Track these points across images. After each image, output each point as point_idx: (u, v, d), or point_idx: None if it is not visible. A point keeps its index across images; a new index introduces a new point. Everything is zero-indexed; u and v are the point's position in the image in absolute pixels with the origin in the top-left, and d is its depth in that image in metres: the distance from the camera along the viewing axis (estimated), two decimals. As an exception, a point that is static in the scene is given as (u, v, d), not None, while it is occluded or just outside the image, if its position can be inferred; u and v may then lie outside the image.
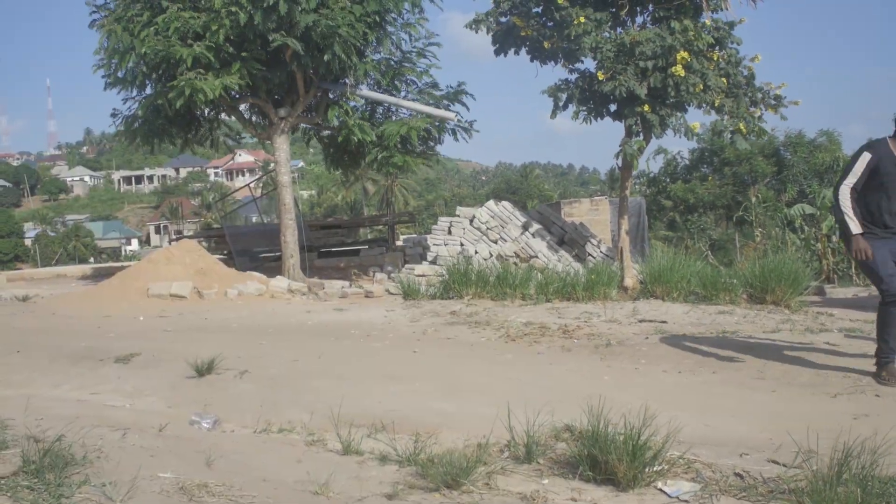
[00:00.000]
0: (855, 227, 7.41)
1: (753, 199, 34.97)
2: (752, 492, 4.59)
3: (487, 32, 14.83)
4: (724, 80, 14.04)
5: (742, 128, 13.97)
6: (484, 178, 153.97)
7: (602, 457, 4.80)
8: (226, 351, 8.38)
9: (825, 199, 26.18)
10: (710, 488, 4.67)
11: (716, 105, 13.96)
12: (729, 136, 14.18)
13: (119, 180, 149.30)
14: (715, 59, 14.15)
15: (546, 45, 14.03)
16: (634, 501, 4.60)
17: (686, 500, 4.56)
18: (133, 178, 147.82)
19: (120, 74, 17.04)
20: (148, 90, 17.60)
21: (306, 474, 4.85)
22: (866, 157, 7.47)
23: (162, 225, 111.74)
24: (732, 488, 4.66)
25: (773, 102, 14.52)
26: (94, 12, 17.28)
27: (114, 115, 18.78)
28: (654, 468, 4.84)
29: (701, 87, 13.65)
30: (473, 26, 14.74)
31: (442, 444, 5.50)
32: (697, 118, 13.68)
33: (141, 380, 7.71)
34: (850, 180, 7.48)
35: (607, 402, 5.29)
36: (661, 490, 4.71)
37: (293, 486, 4.67)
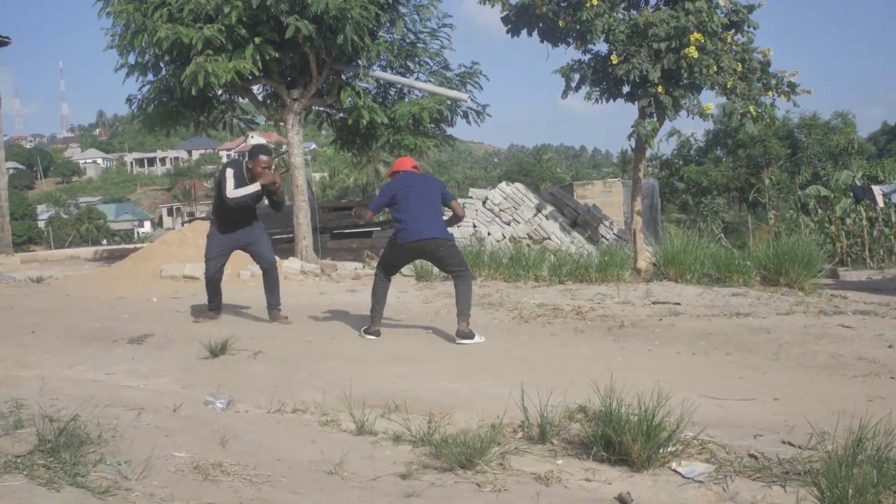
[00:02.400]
0: None
1: (767, 182, 34.80)
2: (766, 473, 4.57)
3: (503, 9, 14.74)
4: (739, 64, 13.97)
5: (752, 110, 13.91)
6: (496, 160, 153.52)
7: (616, 437, 4.80)
8: (239, 332, 8.41)
9: (839, 181, 26.08)
10: (725, 469, 4.66)
11: (728, 86, 13.89)
12: (739, 118, 14.11)
13: (132, 162, 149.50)
14: (729, 40, 14.08)
15: (561, 23, 13.94)
16: (649, 482, 4.59)
17: (701, 481, 4.55)
18: (145, 161, 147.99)
19: (132, 60, 17.05)
20: (162, 72, 17.59)
21: (320, 454, 4.86)
22: None
23: (174, 207, 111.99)
24: (747, 469, 4.65)
25: (786, 89, 14.47)
26: None
27: (129, 101, 18.81)
28: (669, 449, 4.83)
29: (715, 68, 13.59)
30: (488, 2, 14.67)
31: (455, 424, 5.50)
32: (711, 100, 13.63)
33: (155, 360, 7.72)
34: None
35: (621, 383, 5.29)
36: (675, 471, 4.71)
37: (307, 466, 4.68)
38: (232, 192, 9.74)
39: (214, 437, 4.95)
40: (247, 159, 9.97)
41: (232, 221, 10.18)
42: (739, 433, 5.35)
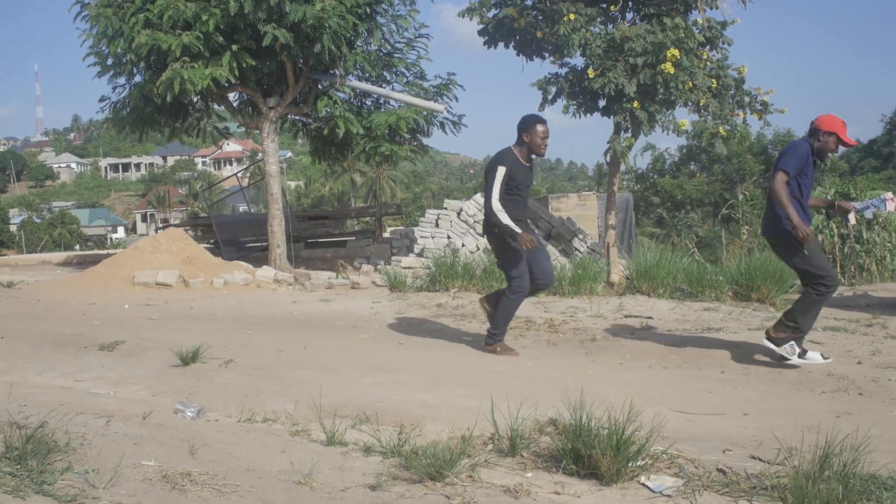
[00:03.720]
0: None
1: (741, 197, 34.98)
2: (734, 488, 4.60)
3: (480, 21, 14.77)
4: (713, 80, 14.04)
5: (722, 131, 13.97)
6: (472, 171, 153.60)
7: (585, 451, 4.81)
8: (211, 340, 8.37)
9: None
10: (693, 483, 4.69)
11: (701, 104, 13.96)
12: (709, 137, 14.16)
13: (106, 167, 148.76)
14: (705, 57, 14.15)
15: (539, 34, 13.97)
16: (617, 496, 4.61)
17: (669, 495, 4.57)
18: (120, 166, 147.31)
19: (109, 62, 16.99)
20: (137, 78, 17.54)
21: (290, 464, 4.85)
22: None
23: (149, 213, 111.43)
24: (715, 484, 4.67)
25: (759, 108, 14.53)
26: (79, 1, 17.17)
27: (101, 101, 18.75)
28: (638, 463, 4.85)
29: (690, 84, 13.66)
30: (466, 15, 14.69)
31: (426, 435, 5.51)
32: (685, 116, 13.67)
33: (125, 368, 7.69)
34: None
35: (592, 397, 5.31)
36: (644, 485, 4.73)
37: (277, 476, 4.67)
38: (497, 204, 8.48)
39: (184, 446, 4.93)
40: (520, 134, 8.82)
41: (522, 223, 8.74)
42: (709, 448, 5.38)
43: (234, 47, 16.09)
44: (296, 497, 4.34)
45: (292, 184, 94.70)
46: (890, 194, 21.89)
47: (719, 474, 4.84)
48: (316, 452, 5.21)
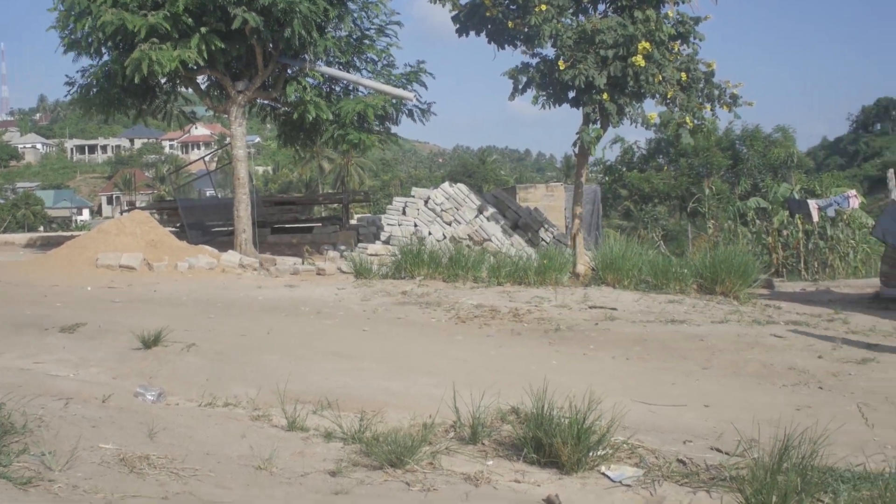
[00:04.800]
0: None
1: (707, 191, 35.20)
2: (694, 478, 4.63)
3: (453, 9, 14.72)
4: (683, 74, 14.08)
5: (688, 121, 14.03)
6: (441, 160, 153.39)
7: (546, 440, 4.82)
8: (174, 324, 8.31)
9: (777, 193, 26.45)
10: (653, 474, 4.71)
11: (669, 96, 14.00)
12: (676, 128, 14.21)
13: (72, 149, 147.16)
14: (675, 50, 14.20)
15: (510, 24, 13.95)
16: (577, 485, 4.62)
17: (629, 485, 4.58)
18: (86, 148, 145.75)
19: (76, 37, 16.77)
20: (105, 57, 17.34)
21: (250, 449, 4.82)
22: None
23: (114, 196, 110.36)
24: (675, 474, 4.70)
25: (728, 100, 14.60)
26: None
27: (69, 84, 18.52)
28: (598, 452, 4.86)
29: (660, 77, 13.70)
30: (439, 2, 14.63)
31: (388, 422, 5.50)
32: (654, 109, 13.74)
33: (86, 350, 7.62)
34: None
35: (554, 386, 5.31)
36: (604, 474, 4.74)
37: (236, 461, 4.64)
38: None
39: (143, 430, 4.89)
40: None
41: None
42: (670, 438, 5.41)
43: (203, 29, 15.94)
44: (254, 482, 4.31)
45: (260, 169, 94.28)
46: (853, 192, 22.12)
47: (679, 465, 4.86)
48: (277, 438, 5.18)
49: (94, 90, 17.90)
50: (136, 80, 15.70)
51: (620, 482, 4.62)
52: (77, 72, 18.36)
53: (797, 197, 24.21)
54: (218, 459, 4.61)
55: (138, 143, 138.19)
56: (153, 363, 7.17)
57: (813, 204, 21.01)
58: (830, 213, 21.22)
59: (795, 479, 4.11)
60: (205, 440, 5.00)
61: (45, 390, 5.60)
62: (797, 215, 21.57)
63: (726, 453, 5.04)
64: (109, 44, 16.31)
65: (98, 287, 12.56)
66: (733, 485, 4.40)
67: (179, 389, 6.37)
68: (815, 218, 21.40)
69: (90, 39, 16.12)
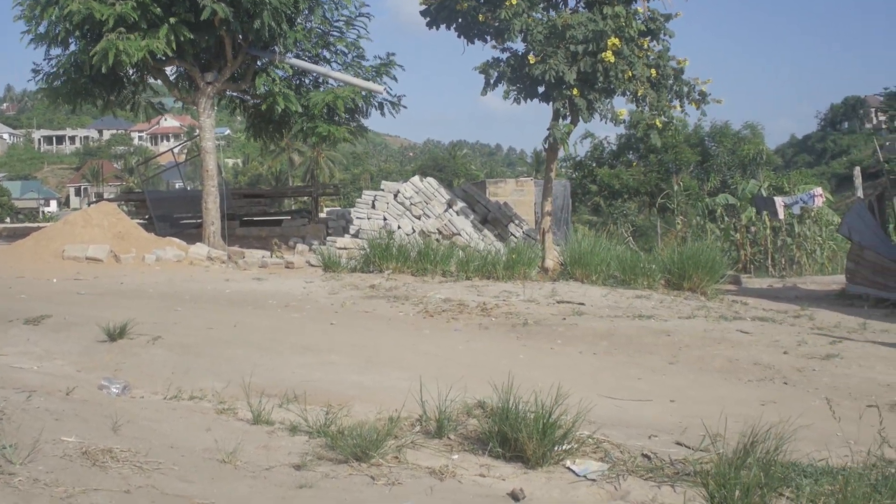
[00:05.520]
0: None
1: (676, 188, 35.42)
2: (658, 473, 4.64)
3: (423, 2, 14.71)
4: (653, 70, 14.14)
5: (658, 123, 14.09)
6: (411, 154, 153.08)
7: (512, 434, 4.82)
8: (140, 316, 8.25)
9: (746, 190, 26.64)
10: (618, 468, 4.71)
11: (639, 94, 14.05)
12: (645, 128, 14.28)
13: (40, 139, 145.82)
14: (645, 46, 14.25)
15: (481, 18, 13.94)
16: (542, 479, 4.62)
17: (594, 479, 4.59)
18: (54, 138, 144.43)
19: (41, 29, 16.61)
20: (72, 47, 17.19)
21: (214, 442, 4.79)
22: None
23: (82, 187, 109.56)
24: (640, 469, 4.71)
25: (697, 98, 14.68)
26: None
27: (35, 72, 18.34)
28: (564, 447, 4.87)
29: (630, 73, 13.74)
30: (410, -6, 14.62)
31: (354, 416, 5.48)
32: (624, 105, 13.76)
33: (51, 342, 7.55)
34: None
35: (521, 381, 5.31)
36: (569, 469, 4.74)
37: (201, 454, 4.62)
38: None
39: (107, 423, 4.85)
40: None
41: None
42: (635, 433, 5.42)
43: (172, 20, 15.83)
44: (218, 475, 4.29)
45: (230, 161, 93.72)
46: (819, 190, 22.30)
47: (644, 460, 4.88)
48: (242, 431, 5.16)
49: (62, 79, 17.74)
50: (104, 71, 15.57)
51: (585, 476, 4.63)
52: (44, 59, 18.19)
53: (765, 194, 24.41)
54: (182, 453, 4.58)
55: (107, 135, 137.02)
56: (118, 356, 7.12)
57: (779, 201, 21.19)
58: (796, 210, 21.43)
59: (759, 473, 4.13)
60: (169, 433, 4.97)
61: (8, 383, 5.54)
62: (764, 212, 21.75)
63: (691, 448, 5.06)
64: (77, 33, 16.17)
65: (64, 279, 12.46)
66: (697, 479, 4.41)
67: (145, 382, 6.33)
68: (781, 215, 21.60)
69: (57, 29, 15.98)
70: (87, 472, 3.95)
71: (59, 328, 8.18)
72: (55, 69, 17.80)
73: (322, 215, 24.05)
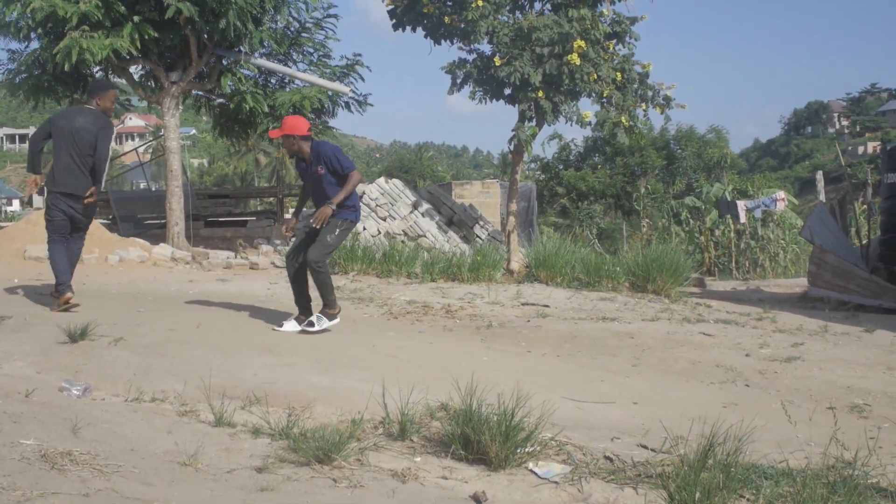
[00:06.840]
0: None
1: (642, 190, 35.65)
2: (620, 475, 4.67)
3: (389, 3, 14.68)
4: (618, 73, 14.19)
5: (624, 121, 14.15)
6: (378, 155, 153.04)
7: (475, 436, 4.82)
8: (102, 317, 8.16)
9: (710, 193, 26.86)
10: (580, 470, 4.73)
11: (605, 95, 14.11)
12: (612, 127, 14.32)
13: (2, 138, 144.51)
14: (611, 49, 14.30)
15: (447, 19, 13.93)
16: (505, 481, 4.63)
17: (556, 482, 4.61)
18: (17, 137, 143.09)
19: (8, 19, 16.41)
20: (35, 43, 17.03)
21: (175, 445, 4.76)
22: None
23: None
24: (602, 471, 4.73)
25: (661, 102, 14.75)
26: None
27: (-5, 67, 18.17)
28: (527, 449, 4.88)
29: (595, 76, 13.78)
30: (377, -4, 14.61)
31: (316, 418, 5.47)
32: (589, 107, 13.80)
33: (10, 343, 7.46)
34: None
35: (484, 383, 5.32)
36: (532, 471, 4.76)
37: (161, 457, 4.59)
38: None
39: (66, 425, 4.81)
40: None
41: None
42: (598, 435, 5.45)
43: (136, 18, 15.70)
44: (179, 478, 4.26)
45: (195, 161, 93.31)
46: (781, 193, 22.52)
47: (606, 462, 4.90)
48: (203, 433, 5.13)
49: (23, 76, 17.56)
50: (67, 69, 15.42)
51: (548, 479, 4.64)
52: (3, 49, 18.03)
53: (728, 197, 24.65)
54: (143, 455, 4.55)
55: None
56: (79, 357, 7.05)
57: (741, 205, 21.41)
58: (758, 214, 21.66)
59: (719, 475, 4.16)
60: (130, 436, 4.94)
61: (-35, 384, 5.49)
62: (727, 215, 21.94)
63: (653, 450, 5.09)
64: (39, 30, 16.00)
65: (25, 279, 12.33)
66: (658, 481, 4.44)
67: (106, 384, 6.27)
68: (743, 219, 21.82)
69: (19, 24, 15.82)
70: (45, 476, 3.92)
71: (18, 329, 8.09)
72: (15, 66, 17.62)
73: (287, 216, 23.97)
